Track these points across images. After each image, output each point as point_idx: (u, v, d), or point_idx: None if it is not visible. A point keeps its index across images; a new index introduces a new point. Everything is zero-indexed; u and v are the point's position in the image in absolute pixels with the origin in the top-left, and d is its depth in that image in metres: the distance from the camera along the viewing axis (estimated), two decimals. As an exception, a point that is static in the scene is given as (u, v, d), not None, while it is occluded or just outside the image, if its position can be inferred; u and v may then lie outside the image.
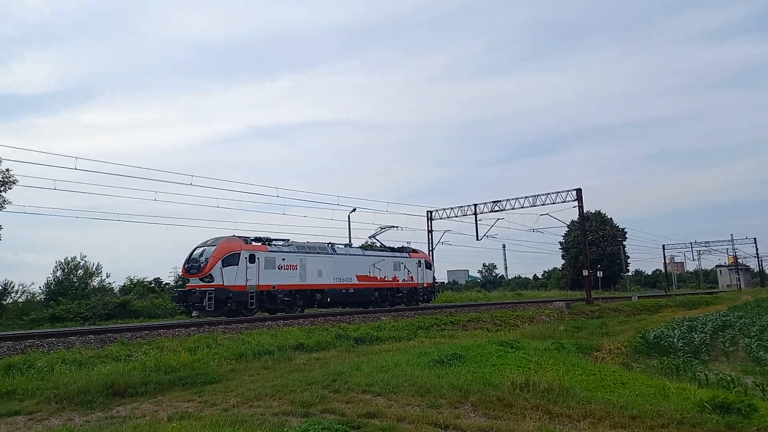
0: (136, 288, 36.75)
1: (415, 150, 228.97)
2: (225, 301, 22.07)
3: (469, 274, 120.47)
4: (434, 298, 34.97)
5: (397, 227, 35.35)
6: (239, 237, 24.10)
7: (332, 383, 9.11)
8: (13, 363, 11.15)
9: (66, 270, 36.29)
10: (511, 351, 12.01)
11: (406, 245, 34.83)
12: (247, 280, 22.91)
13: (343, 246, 29.44)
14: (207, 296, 21.53)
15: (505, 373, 9.73)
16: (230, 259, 22.64)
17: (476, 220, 41.48)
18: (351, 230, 41.68)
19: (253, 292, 23.10)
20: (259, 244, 24.49)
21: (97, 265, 37.91)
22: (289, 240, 26.85)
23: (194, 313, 22.42)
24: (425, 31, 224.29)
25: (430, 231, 44.32)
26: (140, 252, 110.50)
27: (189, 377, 9.99)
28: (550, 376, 9.28)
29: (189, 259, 23.45)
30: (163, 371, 10.41)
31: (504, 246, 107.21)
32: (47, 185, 29.65)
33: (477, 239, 41.68)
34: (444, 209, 43.57)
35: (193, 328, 17.27)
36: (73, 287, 34.73)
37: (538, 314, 26.99)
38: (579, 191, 37.19)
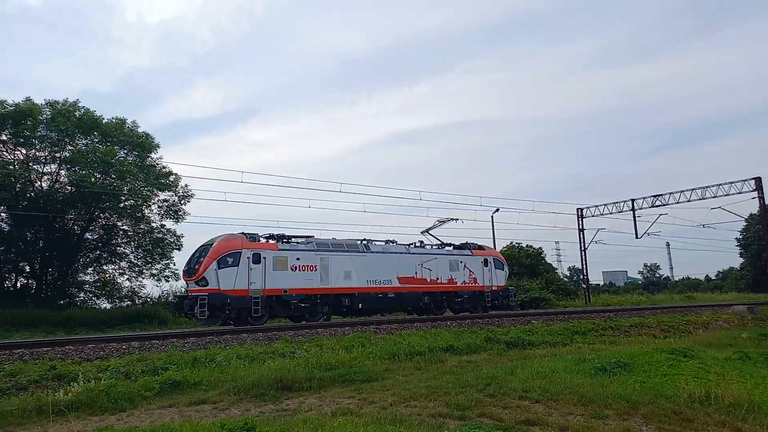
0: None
1: (560, 144, 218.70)
2: (221, 308, 19.28)
3: (628, 275, 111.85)
4: (508, 304, 28.47)
5: (457, 220, 29.66)
6: (245, 234, 21.10)
7: (486, 387, 8.96)
8: (198, 357, 12.56)
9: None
10: (685, 360, 10.83)
11: (471, 242, 28.64)
12: (249, 284, 19.85)
13: (383, 243, 25.09)
14: (199, 302, 18.83)
15: (679, 385, 8.83)
16: (228, 260, 19.68)
17: (634, 217, 38.22)
18: (495, 231, 40.91)
19: (257, 298, 19.94)
20: (267, 241, 21.48)
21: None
22: (312, 237, 23.13)
23: (201, 322, 19.84)
24: (567, 17, 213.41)
25: (581, 230, 41.86)
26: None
27: (347, 375, 10.46)
28: (736, 389, 8.24)
29: (188, 261, 21.10)
30: (324, 368, 11.04)
31: (668, 244, 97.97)
32: (218, 197, 33.13)
33: (636, 237, 38.39)
34: (596, 206, 40.85)
35: (347, 328, 18.09)
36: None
37: (714, 319, 24.12)
38: (758, 180, 32.67)
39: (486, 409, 7.66)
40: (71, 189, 27.29)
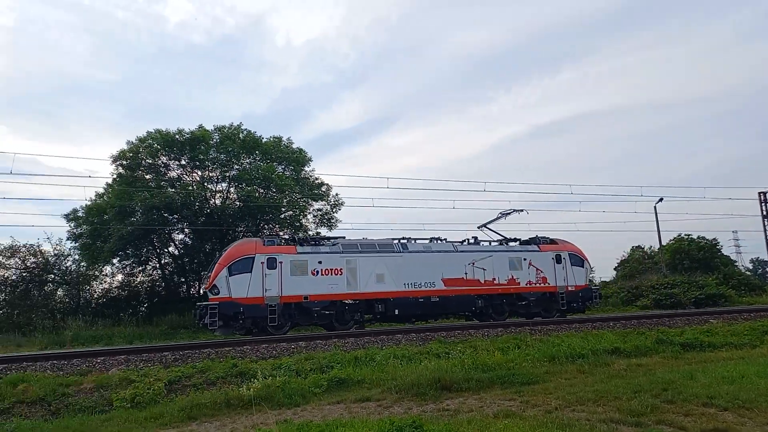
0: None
1: (731, 124, 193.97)
2: (234, 317, 18.21)
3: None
4: (591, 307, 24.61)
5: (522, 211, 25.63)
6: (264, 237, 20.46)
7: (662, 392, 8.23)
8: (358, 356, 13.17)
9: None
10: None
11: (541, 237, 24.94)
12: (264, 291, 18.58)
13: (426, 241, 22.62)
14: (209, 312, 17.88)
15: None
16: (240, 266, 18.59)
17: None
18: (659, 222, 37.47)
19: (274, 306, 18.57)
20: (284, 245, 19.88)
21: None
22: (341, 238, 21.69)
23: (216, 331, 18.82)
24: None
25: (765, 216, 36.70)
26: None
27: (506, 377, 10.25)
28: None
29: (209, 269, 20.38)
30: (481, 369, 10.95)
31: None
32: (366, 203, 34.51)
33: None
34: (782, 188, 35.44)
35: (500, 330, 17.75)
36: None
37: None
38: None
39: (665, 416, 7.03)
40: (239, 204, 30.29)
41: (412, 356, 13.28)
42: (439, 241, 22.63)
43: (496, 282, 22.24)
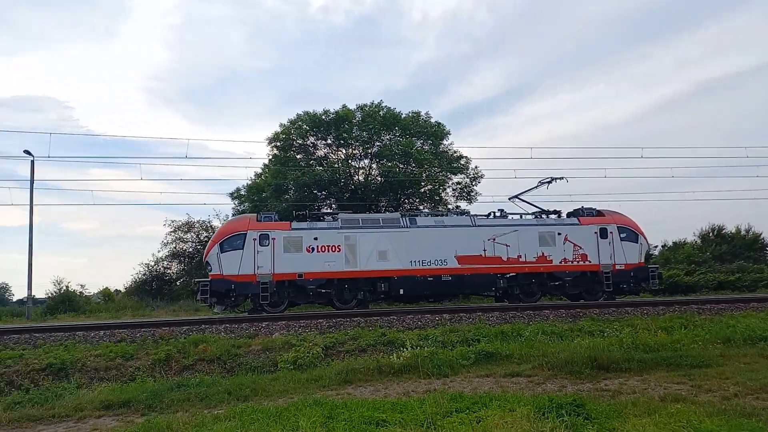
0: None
1: None
2: (227, 294, 17.93)
3: None
4: (647, 289, 21.12)
5: (562, 178, 22.33)
6: (258, 214, 19.68)
7: None
8: (504, 330, 12.97)
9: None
10: None
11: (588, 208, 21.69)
12: (257, 268, 18.12)
13: (440, 215, 21.04)
14: (200, 288, 17.90)
15: None
16: (231, 242, 18.23)
17: None
18: None
19: (266, 283, 18.04)
20: (278, 221, 19.29)
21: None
22: (350, 212, 20.50)
23: (215, 308, 18.78)
24: None
25: None
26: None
27: (672, 358, 9.41)
28: None
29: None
30: (642, 350, 10.18)
31: None
32: (508, 175, 33.54)
33: None
34: None
35: (661, 307, 16.34)
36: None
37: None
38: None
39: None
40: (381, 179, 31.17)
41: (562, 333, 12.79)
42: (454, 216, 20.99)
43: (522, 259, 19.95)
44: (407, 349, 10.83)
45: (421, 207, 33.94)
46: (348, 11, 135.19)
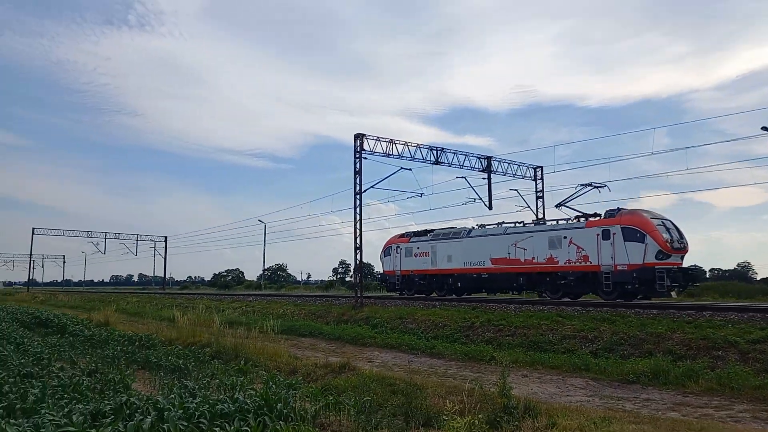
0: None
1: None
2: (390, 284, 30.54)
3: None
4: (667, 292, 19.61)
5: (602, 186, 24.22)
6: (404, 233, 30.68)
7: None
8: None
9: None
10: None
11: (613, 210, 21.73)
12: (393, 267, 29.88)
13: (494, 225, 25.89)
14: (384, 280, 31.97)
15: None
16: (387, 251, 30.52)
17: None
18: None
19: (398, 277, 29.53)
20: (403, 238, 30.09)
21: None
22: (454, 228, 28.53)
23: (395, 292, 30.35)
24: None
25: None
26: None
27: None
28: None
29: None
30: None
31: None
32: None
33: None
34: None
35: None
36: None
37: None
38: None
39: None
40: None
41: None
42: (501, 226, 25.34)
43: (535, 261, 22.87)
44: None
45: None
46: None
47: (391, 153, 25.61)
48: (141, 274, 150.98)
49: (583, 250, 21.33)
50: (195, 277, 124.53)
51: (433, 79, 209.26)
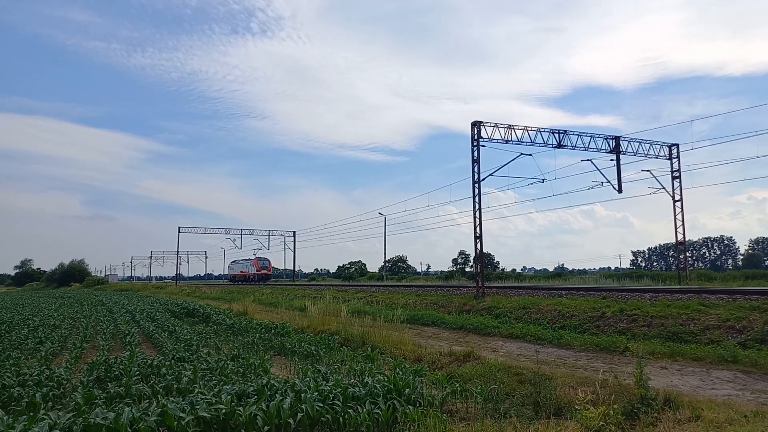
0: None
1: None
2: None
3: None
4: None
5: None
6: None
7: None
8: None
9: None
10: None
11: None
12: None
13: None
14: None
15: None
16: None
17: None
18: None
19: None
20: None
21: None
22: None
23: None
24: None
25: None
26: None
27: None
28: None
29: None
30: None
31: None
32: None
33: None
34: None
35: None
36: None
37: None
38: None
39: None
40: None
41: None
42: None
43: None
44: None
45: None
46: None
47: (509, 139, 25.03)
48: (273, 267, 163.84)
49: None
50: (321, 269, 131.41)
51: (550, 58, 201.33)
